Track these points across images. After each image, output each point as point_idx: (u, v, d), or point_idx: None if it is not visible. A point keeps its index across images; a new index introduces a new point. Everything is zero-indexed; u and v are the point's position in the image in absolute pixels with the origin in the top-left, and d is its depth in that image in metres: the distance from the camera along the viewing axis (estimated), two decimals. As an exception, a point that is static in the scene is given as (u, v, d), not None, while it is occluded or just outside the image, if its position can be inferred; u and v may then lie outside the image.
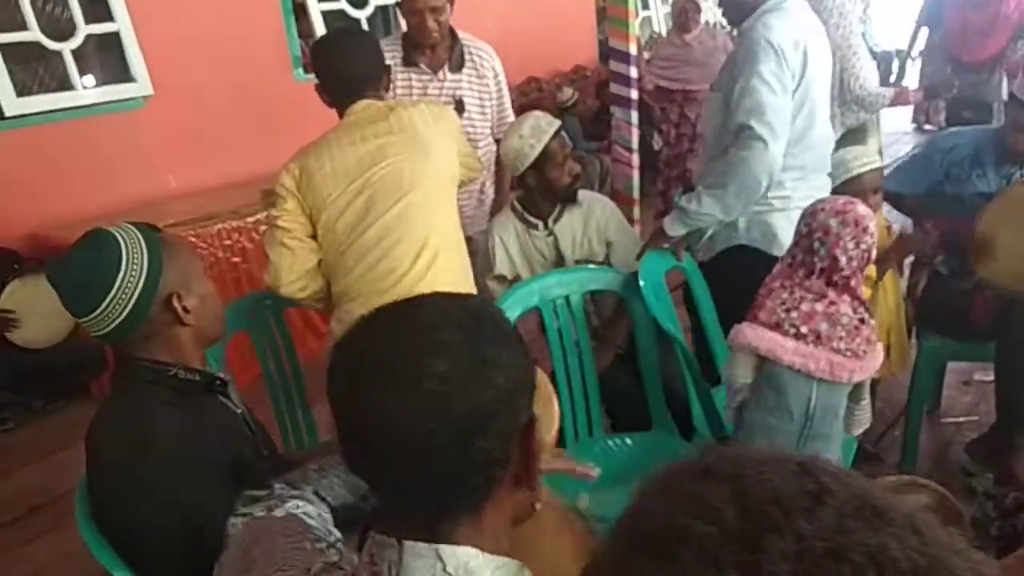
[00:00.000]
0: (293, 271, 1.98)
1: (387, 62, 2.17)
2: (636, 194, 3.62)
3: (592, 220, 2.44)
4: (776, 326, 1.78)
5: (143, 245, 1.30)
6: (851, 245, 1.76)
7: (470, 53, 2.76)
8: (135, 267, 1.27)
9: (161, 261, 1.30)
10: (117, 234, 1.29)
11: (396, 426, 0.74)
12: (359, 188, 1.95)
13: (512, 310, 2.14)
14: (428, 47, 2.65)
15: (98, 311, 1.26)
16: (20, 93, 3.88)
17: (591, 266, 2.40)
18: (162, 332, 1.32)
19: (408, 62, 2.68)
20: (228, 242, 3.81)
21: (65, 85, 4.07)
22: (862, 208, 1.80)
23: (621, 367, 2.41)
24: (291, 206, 1.96)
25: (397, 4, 2.72)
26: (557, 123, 2.38)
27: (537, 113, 2.41)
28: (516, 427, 0.80)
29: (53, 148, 3.98)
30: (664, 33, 6.87)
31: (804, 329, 1.77)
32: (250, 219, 3.85)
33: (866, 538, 0.40)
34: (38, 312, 3.56)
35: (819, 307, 1.78)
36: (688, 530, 0.42)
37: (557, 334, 2.25)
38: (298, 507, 1.05)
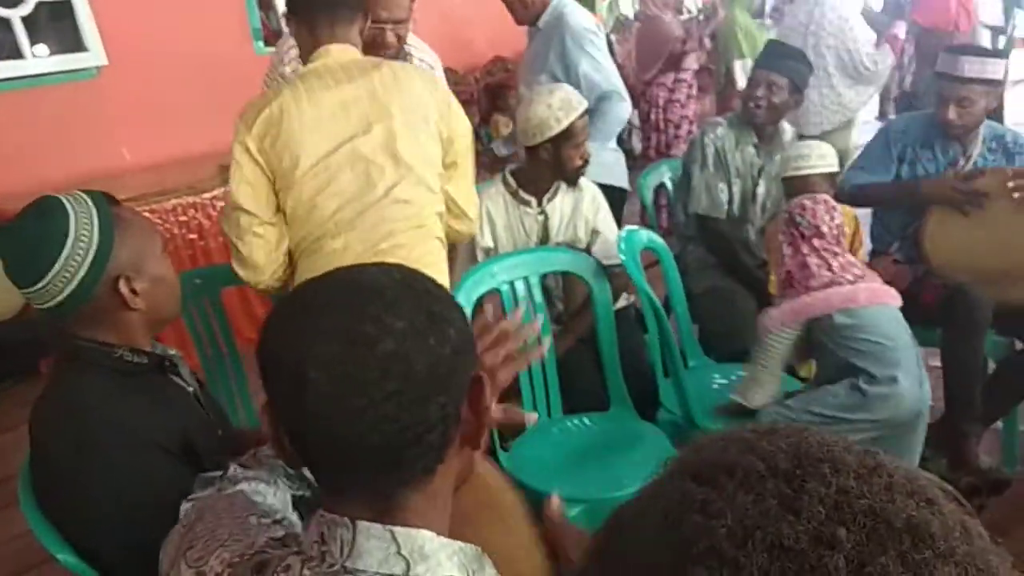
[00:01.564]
0: (272, 261, 1.77)
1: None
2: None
3: (582, 205, 2.43)
4: (833, 283, 2.09)
5: (94, 218, 1.22)
6: (826, 217, 2.16)
7: (420, 62, 2.42)
8: (83, 242, 1.20)
9: (112, 238, 1.23)
10: (68, 204, 1.22)
11: (356, 391, 0.71)
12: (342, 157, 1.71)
13: (472, 290, 2.12)
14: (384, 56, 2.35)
15: (39, 284, 1.20)
16: (-34, 60, 3.75)
17: (562, 249, 2.38)
18: (108, 313, 1.26)
19: None
20: (184, 218, 3.72)
21: (14, 54, 3.94)
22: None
23: (580, 349, 2.40)
24: (251, 175, 1.70)
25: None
26: (586, 102, 2.36)
27: (567, 87, 2.38)
28: (467, 381, 0.79)
29: (2, 118, 3.84)
30: (632, 16, 6.85)
31: (850, 276, 2.10)
32: (207, 195, 3.76)
33: (910, 509, 0.40)
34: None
35: (840, 260, 2.13)
36: (736, 462, 0.43)
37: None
38: (249, 486, 1.03)
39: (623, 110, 2.92)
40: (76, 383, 1.25)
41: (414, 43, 2.42)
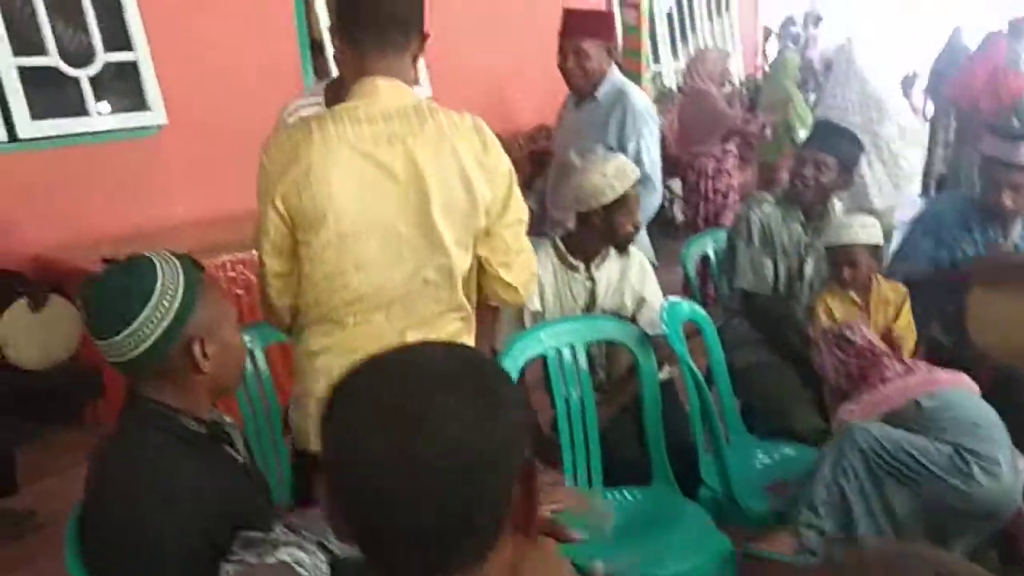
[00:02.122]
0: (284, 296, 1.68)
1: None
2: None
3: (630, 273, 2.45)
4: (909, 372, 2.15)
5: (181, 282, 1.26)
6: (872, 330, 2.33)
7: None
8: (166, 302, 1.23)
9: (194, 301, 1.26)
10: (158, 265, 1.26)
11: (409, 471, 0.72)
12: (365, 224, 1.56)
13: (520, 355, 2.13)
14: None
15: (117, 337, 1.23)
16: (35, 116, 3.90)
17: (608, 318, 2.39)
18: (176, 374, 1.28)
19: None
20: (232, 274, 3.79)
21: (80, 111, 4.10)
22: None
23: (622, 419, 2.39)
24: (272, 227, 1.58)
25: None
26: (639, 171, 2.41)
27: (622, 157, 2.44)
28: (519, 465, 0.79)
29: (64, 172, 3.99)
30: (675, 88, 6.95)
31: (923, 366, 2.18)
32: (255, 252, 3.82)
33: None
34: (38, 334, 3.55)
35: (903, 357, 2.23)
36: None
37: (562, 382, 2.23)
38: (291, 555, 1.03)
39: (655, 200, 2.97)
40: (139, 442, 1.27)
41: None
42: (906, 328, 2.48)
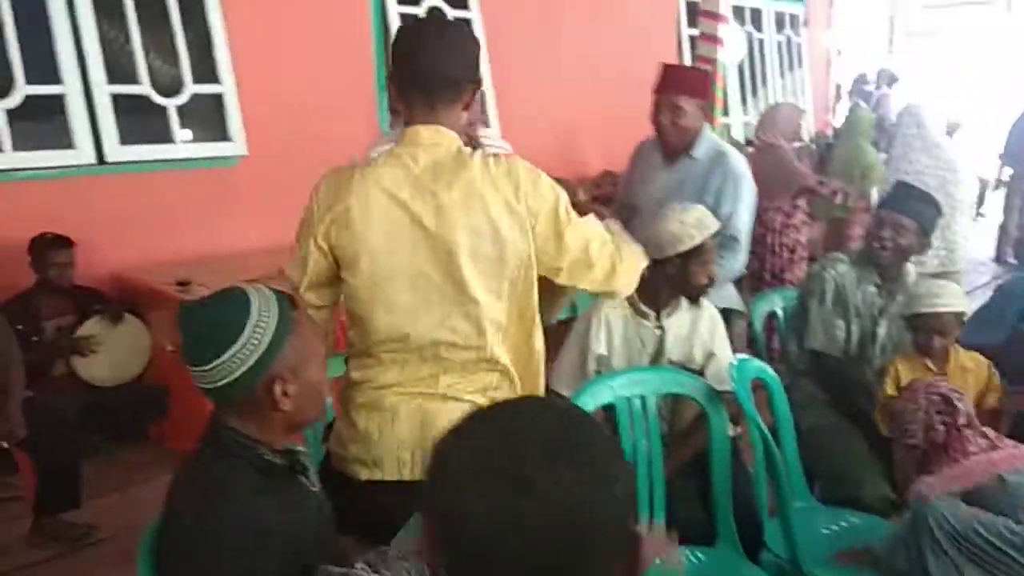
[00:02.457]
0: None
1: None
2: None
3: (700, 325, 2.43)
4: (994, 447, 2.07)
5: (273, 316, 1.28)
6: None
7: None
8: (257, 336, 1.26)
9: (284, 339, 1.28)
10: (252, 296, 1.29)
11: (515, 532, 0.72)
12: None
13: (589, 402, 2.11)
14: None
15: (209, 365, 1.26)
16: (124, 141, 4.07)
17: (679, 371, 2.36)
18: (256, 407, 1.30)
19: None
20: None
21: (166, 138, 4.26)
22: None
23: (685, 476, 2.34)
24: (312, 260, 1.67)
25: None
26: (718, 224, 2.40)
27: (702, 208, 2.43)
28: (624, 538, 0.78)
29: (146, 195, 4.14)
30: (743, 141, 6.92)
31: (1009, 442, 2.10)
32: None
33: None
34: (111, 351, 3.66)
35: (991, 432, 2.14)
36: None
37: (630, 435, 2.21)
38: None
39: (740, 264, 2.91)
40: (219, 469, 1.29)
41: (485, 133, 2.36)
42: (994, 401, 2.41)
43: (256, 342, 1.26)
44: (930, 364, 2.45)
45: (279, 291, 1.34)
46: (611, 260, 1.78)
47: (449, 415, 1.64)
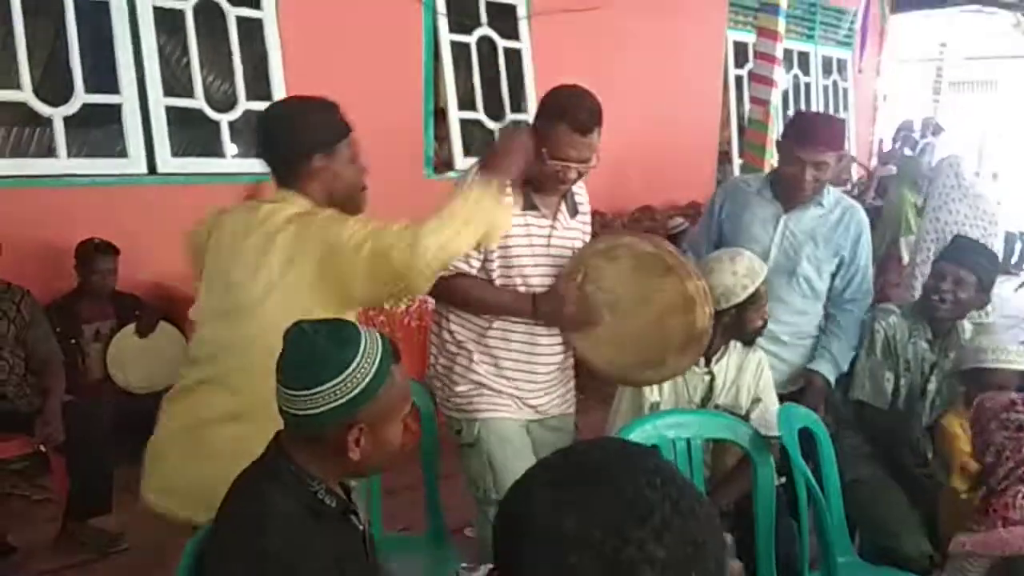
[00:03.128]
0: None
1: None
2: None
3: (748, 370, 2.40)
4: None
5: (374, 368, 1.27)
6: None
7: (579, 198, 2.33)
8: (350, 383, 1.25)
9: (378, 389, 1.27)
10: (364, 342, 1.27)
11: None
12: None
13: (638, 440, 2.08)
14: (558, 192, 2.21)
15: (294, 392, 1.25)
16: (175, 153, 4.13)
17: (725, 416, 2.33)
18: (326, 448, 1.29)
19: (528, 205, 2.17)
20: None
21: (217, 152, 4.32)
22: None
23: (723, 523, 2.29)
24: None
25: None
26: (767, 267, 2.37)
27: (748, 253, 2.38)
28: None
29: (193, 206, 4.13)
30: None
31: None
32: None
33: None
34: (144, 358, 3.68)
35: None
36: None
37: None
38: None
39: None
40: (273, 503, 1.26)
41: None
42: None
43: (351, 385, 1.25)
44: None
45: (388, 339, 1.33)
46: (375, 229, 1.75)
47: None
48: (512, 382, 2.20)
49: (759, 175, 2.90)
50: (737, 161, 7.26)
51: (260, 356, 1.45)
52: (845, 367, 2.66)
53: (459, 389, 2.20)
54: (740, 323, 2.32)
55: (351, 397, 1.25)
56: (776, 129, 4.69)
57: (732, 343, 2.39)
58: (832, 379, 2.64)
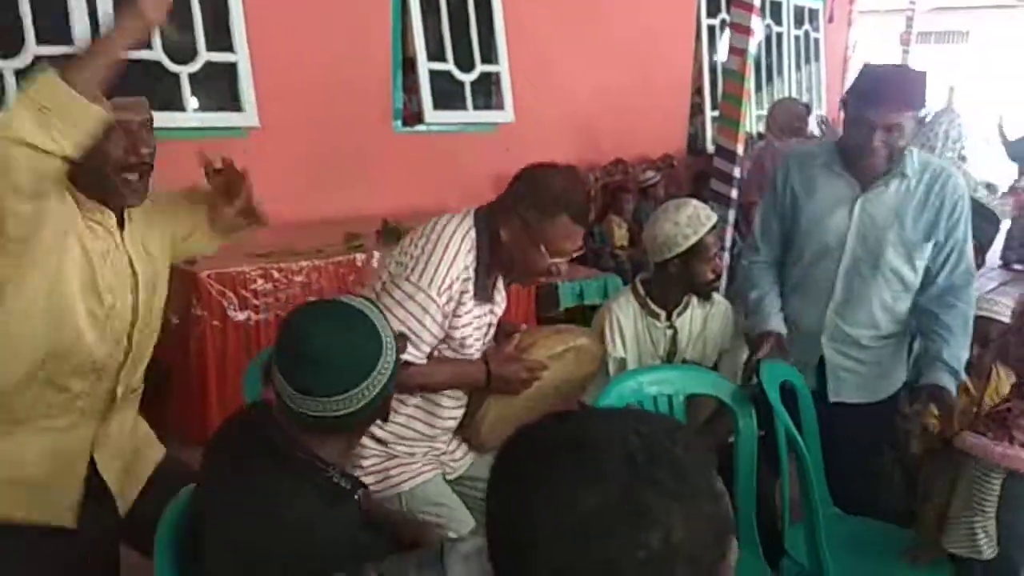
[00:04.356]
0: None
1: None
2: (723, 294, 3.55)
3: (712, 322, 2.38)
4: None
5: (391, 363, 1.24)
6: None
7: None
8: (384, 368, 1.23)
9: (393, 382, 1.26)
10: (384, 342, 1.24)
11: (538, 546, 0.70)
12: None
13: (620, 400, 2.06)
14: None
15: (319, 399, 1.19)
16: (132, 108, 3.97)
17: (706, 370, 2.32)
18: (350, 435, 1.27)
19: (486, 298, 1.97)
20: (305, 280, 3.79)
21: (177, 105, 4.17)
22: None
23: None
24: None
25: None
26: (715, 217, 2.34)
27: (695, 203, 2.35)
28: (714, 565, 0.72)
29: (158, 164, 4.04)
30: (756, 135, 6.85)
31: None
32: (332, 259, 3.85)
33: None
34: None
35: None
36: None
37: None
38: None
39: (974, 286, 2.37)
40: (285, 491, 1.20)
41: None
42: None
43: (385, 369, 1.22)
44: (968, 383, 2.34)
45: (397, 334, 1.31)
46: None
47: None
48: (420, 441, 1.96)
49: (825, 144, 2.45)
50: (711, 113, 7.20)
51: None
52: (963, 373, 2.22)
53: (367, 464, 1.90)
54: (687, 275, 2.31)
55: (386, 380, 1.23)
56: (753, 79, 4.64)
57: (691, 296, 2.38)
58: (954, 390, 2.16)
